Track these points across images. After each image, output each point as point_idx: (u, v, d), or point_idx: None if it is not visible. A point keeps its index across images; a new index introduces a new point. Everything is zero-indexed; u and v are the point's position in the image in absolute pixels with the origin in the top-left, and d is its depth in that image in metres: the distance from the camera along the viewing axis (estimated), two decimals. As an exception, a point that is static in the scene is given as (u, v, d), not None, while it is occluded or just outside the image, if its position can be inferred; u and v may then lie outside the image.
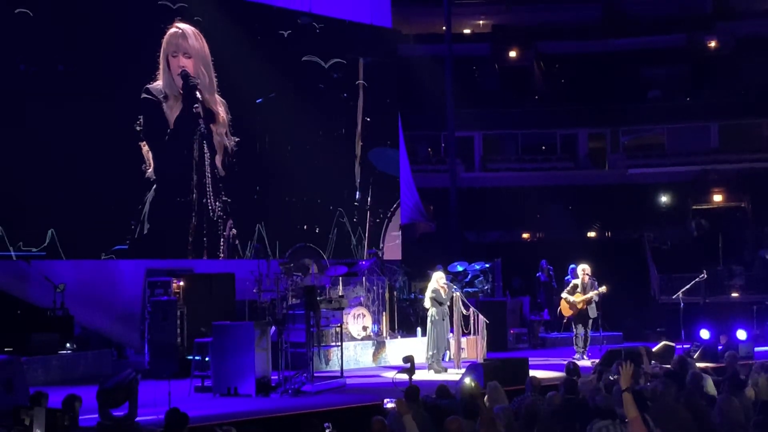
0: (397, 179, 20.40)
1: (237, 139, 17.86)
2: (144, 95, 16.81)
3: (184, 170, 17.25)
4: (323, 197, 18.97)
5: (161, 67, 17.11)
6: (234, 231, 17.42)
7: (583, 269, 17.38)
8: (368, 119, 19.57)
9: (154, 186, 16.79)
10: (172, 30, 17.28)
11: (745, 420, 8.87)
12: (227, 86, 18.06)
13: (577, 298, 17.17)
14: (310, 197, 18.79)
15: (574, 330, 17.45)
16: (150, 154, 16.76)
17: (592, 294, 17.04)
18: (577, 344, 17.31)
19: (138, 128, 16.63)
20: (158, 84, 17.09)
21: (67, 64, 16.08)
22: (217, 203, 17.38)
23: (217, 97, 17.90)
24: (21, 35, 15.63)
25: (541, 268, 21.18)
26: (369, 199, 19.51)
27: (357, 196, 19.24)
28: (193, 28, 17.59)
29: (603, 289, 17.07)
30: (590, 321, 17.21)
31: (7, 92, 15.53)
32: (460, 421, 8.16)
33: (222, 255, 17.47)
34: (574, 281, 17.54)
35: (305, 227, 18.27)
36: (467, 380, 11.21)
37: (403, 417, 8.47)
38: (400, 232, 21.22)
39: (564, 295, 17.53)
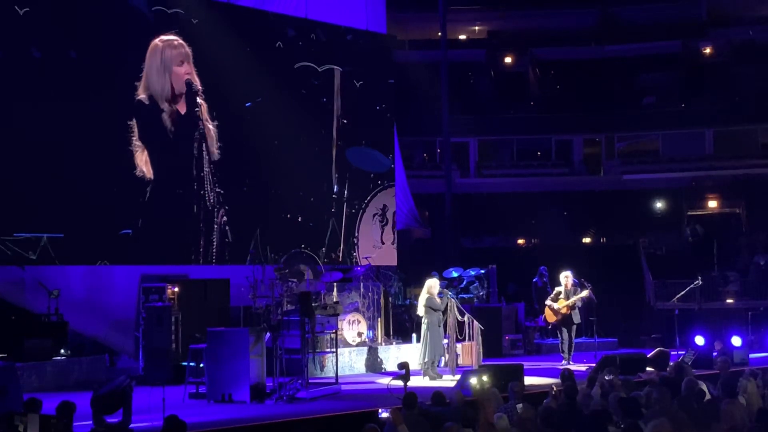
0: (370, 175, 21.22)
1: (216, 123, 18.31)
2: (144, 101, 17.09)
3: (185, 165, 17.79)
4: (305, 190, 19.84)
5: (157, 73, 17.36)
6: (225, 218, 18.20)
7: (566, 276, 17.42)
8: (345, 121, 20.55)
9: (156, 180, 17.21)
10: (167, 45, 17.57)
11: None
12: (220, 89, 18.34)
13: (560, 304, 17.18)
14: (293, 190, 19.62)
15: (560, 336, 17.49)
16: (145, 154, 17.05)
17: (574, 299, 17.06)
18: (563, 350, 17.33)
19: (134, 130, 16.96)
20: (157, 89, 17.34)
21: (53, 64, 16.12)
22: (212, 194, 18.14)
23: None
24: (18, 32, 15.69)
25: (540, 274, 21.19)
26: (345, 192, 20.49)
27: (335, 189, 20.35)
28: (176, 37, 17.76)
29: (585, 293, 17.07)
30: (574, 326, 17.23)
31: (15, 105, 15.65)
32: (459, 428, 8.16)
33: (214, 240, 18.03)
34: (557, 288, 17.58)
35: (288, 216, 19.37)
36: (474, 380, 11.20)
37: (398, 427, 8.45)
38: (395, 238, 21.35)
39: (548, 302, 17.57)
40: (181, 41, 17.75)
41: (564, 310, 17.14)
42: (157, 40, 17.41)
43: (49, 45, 16.05)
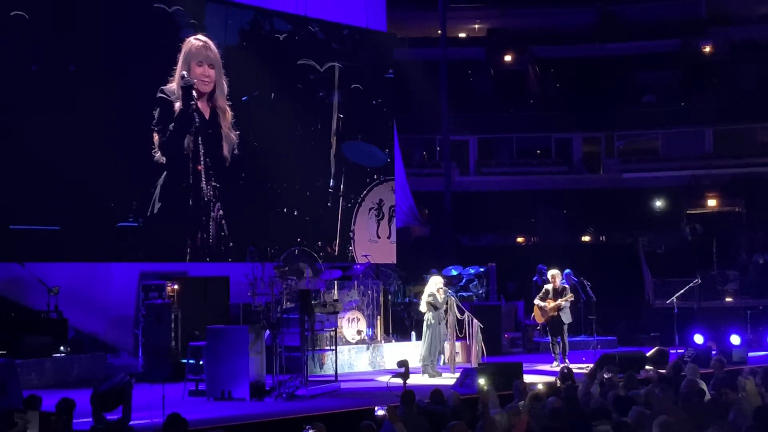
0: (367, 169, 21.29)
1: (238, 132, 18.70)
2: (159, 94, 17.42)
3: (184, 159, 17.96)
4: (301, 184, 19.96)
5: (181, 64, 17.80)
6: (221, 212, 18.33)
7: (553, 275, 17.27)
8: (342, 115, 20.63)
9: (164, 173, 17.51)
10: (196, 41, 18.07)
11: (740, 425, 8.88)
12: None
13: (549, 304, 17.07)
14: (289, 184, 19.74)
15: (550, 337, 17.34)
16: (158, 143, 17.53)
17: (560, 301, 16.94)
18: (554, 351, 17.18)
19: (152, 124, 17.34)
20: (172, 85, 17.63)
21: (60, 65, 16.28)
22: (208, 188, 18.30)
23: (225, 98, 18.61)
24: (27, 37, 15.81)
25: (540, 271, 21.18)
26: (342, 186, 20.57)
27: (331, 183, 20.47)
28: (208, 39, 18.26)
29: (570, 296, 16.99)
30: (565, 327, 17.07)
31: (13, 93, 15.74)
32: (464, 427, 8.14)
33: (210, 240, 18.18)
34: (546, 287, 17.43)
35: (284, 210, 19.52)
36: (482, 380, 11.23)
37: (394, 425, 8.44)
38: (392, 233, 21.38)
39: (536, 301, 17.44)
40: (212, 46, 18.25)
41: (552, 312, 17.01)
42: (192, 38, 17.99)
43: (52, 41, 16.14)
